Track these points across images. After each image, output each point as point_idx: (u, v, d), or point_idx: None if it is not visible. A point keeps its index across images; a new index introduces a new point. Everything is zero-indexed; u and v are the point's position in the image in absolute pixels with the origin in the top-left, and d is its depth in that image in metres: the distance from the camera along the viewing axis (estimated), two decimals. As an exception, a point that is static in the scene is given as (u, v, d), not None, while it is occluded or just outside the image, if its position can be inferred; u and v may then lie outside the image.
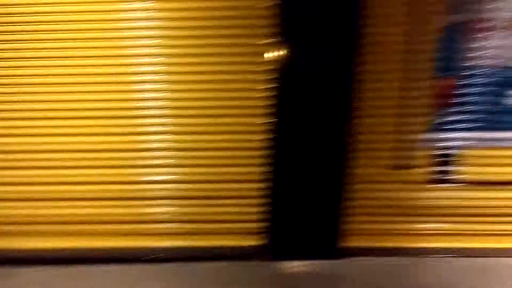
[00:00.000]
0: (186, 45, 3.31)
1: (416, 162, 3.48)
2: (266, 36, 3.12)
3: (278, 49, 3.09)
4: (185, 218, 3.58)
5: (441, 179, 3.51)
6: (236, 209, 3.52)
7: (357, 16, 3.03)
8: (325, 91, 3.13)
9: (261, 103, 3.26)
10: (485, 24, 3.29)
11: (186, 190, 3.52)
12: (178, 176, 3.49)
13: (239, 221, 3.52)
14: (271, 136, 3.22)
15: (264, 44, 3.16)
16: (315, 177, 3.30)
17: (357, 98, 3.19)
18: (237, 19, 3.25)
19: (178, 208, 3.56)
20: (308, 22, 3.05)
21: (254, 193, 3.40)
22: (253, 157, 3.35)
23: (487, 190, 3.54)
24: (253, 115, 3.33)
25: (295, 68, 3.10)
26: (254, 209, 3.45)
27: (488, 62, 3.36)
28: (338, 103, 3.17)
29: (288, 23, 3.05)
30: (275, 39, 3.08)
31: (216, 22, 3.24)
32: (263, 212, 3.40)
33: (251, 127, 3.33)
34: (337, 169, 3.29)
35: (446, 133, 3.45)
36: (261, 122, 3.27)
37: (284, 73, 3.11)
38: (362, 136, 3.38)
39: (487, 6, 3.26)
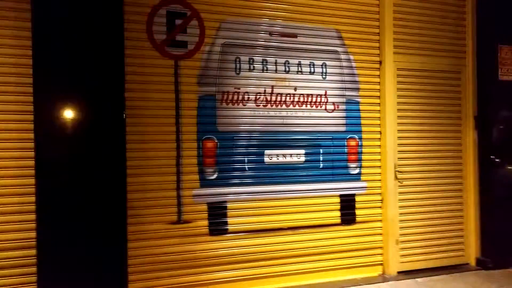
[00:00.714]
0: None
1: (192, 216, 3.79)
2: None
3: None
4: None
5: (216, 230, 3.88)
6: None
7: (121, 87, 3.42)
8: (95, 154, 3.36)
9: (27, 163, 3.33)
10: (235, 96, 3.96)
11: None
12: None
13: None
14: (40, 198, 3.24)
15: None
16: (91, 240, 3.39)
17: (125, 159, 3.47)
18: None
19: None
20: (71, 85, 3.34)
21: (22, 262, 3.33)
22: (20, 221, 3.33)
23: (257, 237, 4.00)
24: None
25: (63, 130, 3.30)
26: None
27: (244, 127, 4.00)
28: (109, 165, 3.40)
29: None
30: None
31: None
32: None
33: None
34: (114, 228, 3.42)
35: (216, 188, 3.89)
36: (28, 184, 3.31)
37: (49, 136, 3.27)
38: (138, 194, 3.65)
39: (234, 81, 3.95)
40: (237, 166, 3.98)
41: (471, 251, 4.77)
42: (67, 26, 3.32)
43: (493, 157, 4.70)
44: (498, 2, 4.73)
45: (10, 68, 3.32)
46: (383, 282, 4.29)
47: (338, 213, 4.33)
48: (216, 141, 3.90)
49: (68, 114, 3.32)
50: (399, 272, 4.44)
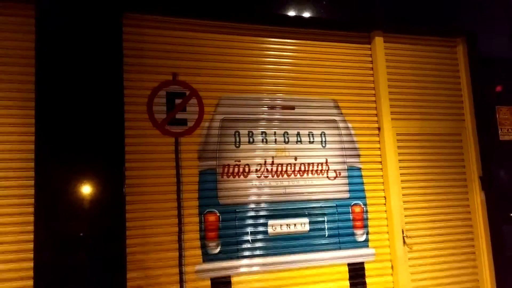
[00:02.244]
0: None
1: (195, 292, 3.74)
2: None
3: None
4: None
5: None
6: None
7: (121, 166, 3.54)
8: (93, 230, 3.42)
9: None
10: (236, 168, 4.04)
11: None
12: None
13: None
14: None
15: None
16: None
17: (125, 236, 3.52)
18: None
19: None
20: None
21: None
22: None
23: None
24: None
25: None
26: None
27: (245, 198, 4.04)
28: (108, 243, 3.42)
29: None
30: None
31: None
32: None
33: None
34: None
35: (219, 263, 3.86)
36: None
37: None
38: (139, 272, 3.64)
39: (234, 154, 4.05)
40: (240, 239, 3.97)
41: (490, 317, 4.53)
42: (69, 109, 3.48)
43: (512, 214, 4.60)
44: (490, 65, 4.83)
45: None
46: None
47: (347, 282, 4.21)
48: (218, 214, 3.93)
49: (70, 190, 3.39)
50: None
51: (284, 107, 4.30)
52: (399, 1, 4.66)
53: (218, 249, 3.87)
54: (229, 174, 4.01)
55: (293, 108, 4.32)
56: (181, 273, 3.74)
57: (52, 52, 3.48)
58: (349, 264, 4.26)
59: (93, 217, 3.43)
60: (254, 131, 4.16)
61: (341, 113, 4.46)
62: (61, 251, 3.32)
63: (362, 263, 4.30)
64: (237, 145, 4.08)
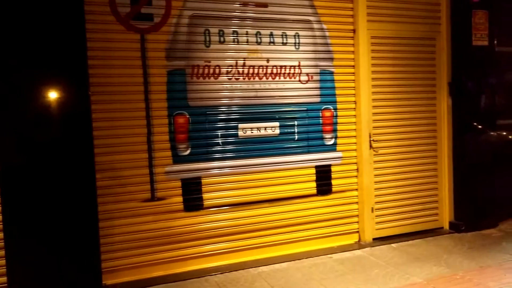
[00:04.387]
0: None
1: (166, 193, 3.76)
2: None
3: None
4: None
5: (191, 206, 3.88)
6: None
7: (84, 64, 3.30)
8: (60, 134, 3.28)
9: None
10: (206, 69, 3.86)
11: None
12: None
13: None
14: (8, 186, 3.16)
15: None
16: (60, 220, 3.31)
17: (92, 137, 3.39)
18: None
19: None
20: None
21: None
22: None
23: (233, 211, 4.01)
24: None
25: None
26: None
27: (216, 101, 3.93)
28: (77, 146, 3.30)
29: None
30: None
31: None
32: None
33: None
34: (83, 209, 3.36)
35: (189, 164, 3.85)
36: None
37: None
38: (109, 173, 3.59)
39: (204, 54, 3.85)
40: (211, 141, 3.95)
41: (445, 216, 4.89)
42: (24, 8, 3.13)
43: (476, 123, 4.72)
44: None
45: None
46: (359, 249, 4.39)
47: (314, 184, 4.37)
48: (187, 116, 3.84)
49: (33, 95, 3.17)
50: (374, 239, 4.54)
51: (257, 4, 4.03)
52: None
53: (188, 151, 3.85)
54: (199, 75, 3.87)
55: (266, 5, 4.08)
56: (151, 173, 3.74)
57: None
58: (316, 167, 4.36)
59: (58, 122, 3.25)
60: (225, 30, 3.94)
61: (317, 13, 4.26)
62: (28, 157, 3.17)
63: (329, 165, 4.41)
64: (207, 45, 3.88)
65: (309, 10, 4.24)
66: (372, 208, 4.51)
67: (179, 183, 3.84)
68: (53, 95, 3.22)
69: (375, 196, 4.54)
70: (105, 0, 3.52)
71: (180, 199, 3.85)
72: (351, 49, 4.44)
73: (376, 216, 4.55)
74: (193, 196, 3.89)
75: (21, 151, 3.15)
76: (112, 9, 3.54)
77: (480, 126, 4.78)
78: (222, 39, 3.93)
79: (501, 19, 4.81)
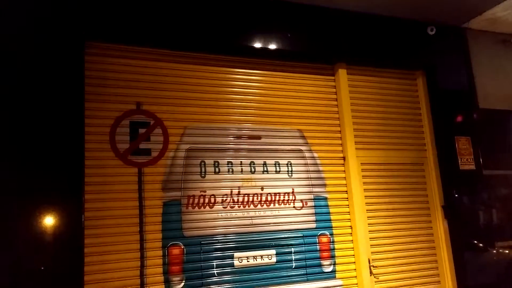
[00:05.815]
0: None
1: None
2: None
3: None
4: None
5: None
6: None
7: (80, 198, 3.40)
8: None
9: None
10: (201, 199, 3.95)
11: None
12: None
13: None
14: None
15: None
16: None
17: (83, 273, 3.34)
18: None
19: None
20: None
21: None
22: None
23: None
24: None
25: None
26: None
27: (211, 230, 3.94)
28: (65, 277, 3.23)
29: None
30: None
31: None
32: None
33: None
34: None
35: (183, 298, 3.70)
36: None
37: None
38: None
39: (199, 184, 3.98)
40: (205, 272, 3.86)
41: None
42: (26, 138, 3.35)
43: (476, 241, 4.67)
44: (448, 97, 5.03)
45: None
46: None
47: (314, 318, 4.13)
48: (182, 246, 3.81)
49: (27, 224, 3.21)
50: None
51: (251, 137, 4.29)
52: (362, 35, 4.81)
53: (182, 284, 3.74)
54: (194, 205, 3.93)
55: (259, 138, 4.32)
56: (142, 310, 3.55)
57: (10, 80, 3.35)
58: (316, 297, 4.18)
59: (50, 252, 3.23)
60: (220, 161, 4.11)
61: (307, 143, 4.50)
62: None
63: (330, 295, 4.24)
64: (203, 175, 4.02)
65: (300, 141, 4.48)
66: None
67: (171, 318, 3.63)
68: (49, 226, 3.23)
69: (380, 328, 4.27)
70: (106, 138, 3.72)
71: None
72: (343, 175, 4.58)
73: None
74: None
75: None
76: (111, 145, 3.74)
77: (481, 244, 4.70)
78: (217, 169, 4.08)
79: (484, 145, 5.04)
